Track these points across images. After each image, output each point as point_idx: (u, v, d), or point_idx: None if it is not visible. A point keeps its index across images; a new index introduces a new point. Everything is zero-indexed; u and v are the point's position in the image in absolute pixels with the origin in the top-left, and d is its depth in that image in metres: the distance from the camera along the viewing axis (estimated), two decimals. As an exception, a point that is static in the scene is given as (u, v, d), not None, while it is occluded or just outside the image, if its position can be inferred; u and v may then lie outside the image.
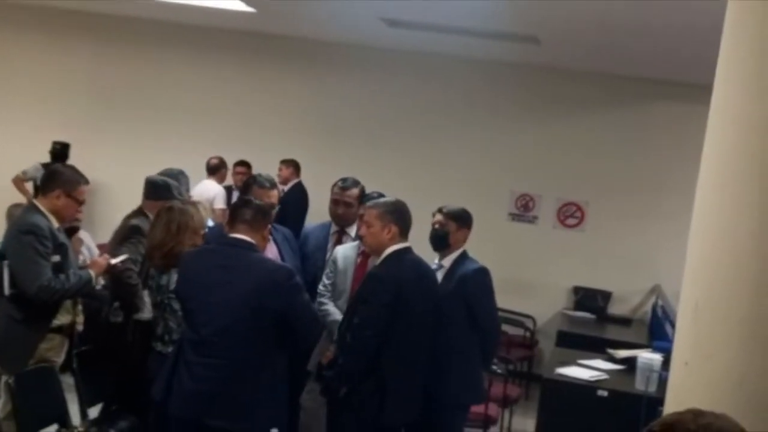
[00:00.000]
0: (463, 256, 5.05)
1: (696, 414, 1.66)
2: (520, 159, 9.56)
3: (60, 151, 9.41)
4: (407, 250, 4.50)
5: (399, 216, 4.49)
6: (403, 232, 4.50)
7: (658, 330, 7.77)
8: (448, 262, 5.03)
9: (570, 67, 9.12)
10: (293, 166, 9.55)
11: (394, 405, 4.34)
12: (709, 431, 1.63)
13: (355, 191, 5.39)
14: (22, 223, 4.62)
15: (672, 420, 1.68)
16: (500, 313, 8.44)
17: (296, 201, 9.10)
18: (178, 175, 6.01)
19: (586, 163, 9.41)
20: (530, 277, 9.38)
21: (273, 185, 5.18)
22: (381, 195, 5.11)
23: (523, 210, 9.65)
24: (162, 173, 5.93)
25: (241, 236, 4.09)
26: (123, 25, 10.12)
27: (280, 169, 9.44)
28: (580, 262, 9.38)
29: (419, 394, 4.51)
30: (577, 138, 9.43)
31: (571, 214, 9.54)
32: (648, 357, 5.49)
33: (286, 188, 9.21)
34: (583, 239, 9.44)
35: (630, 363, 5.80)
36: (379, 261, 4.50)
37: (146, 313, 4.82)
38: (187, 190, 6.24)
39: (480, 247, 5.24)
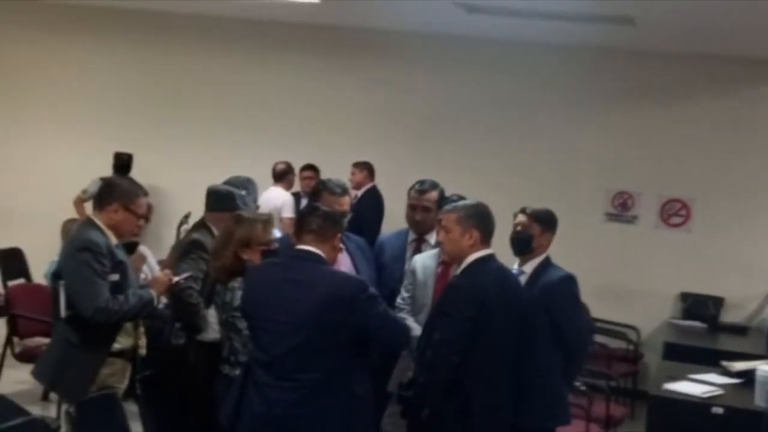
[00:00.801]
0: (547, 263, 4.94)
1: None
2: (616, 153, 9.41)
3: (125, 162, 9.58)
4: (491, 258, 4.43)
5: (481, 220, 4.43)
6: (486, 238, 4.43)
7: (777, 339, 7.58)
8: (529, 268, 4.93)
9: (669, 49, 8.94)
10: (366, 169, 9.55)
11: (480, 426, 4.28)
12: None
13: (433, 194, 5.35)
14: (78, 240, 4.66)
15: None
16: (599, 324, 8.39)
17: (371, 207, 9.10)
18: (246, 183, 6.03)
19: (691, 156, 9.21)
20: (631, 283, 9.22)
21: (344, 191, 5.17)
22: (461, 198, 5.04)
23: (621, 209, 9.49)
24: (228, 182, 5.96)
25: (308, 248, 4.09)
26: (181, 23, 10.28)
27: (352, 173, 9.46)
28: (687, 266, 9.18)
29: (507, 414, 4.44)
30: (679, 128, 9.24)
31: (675, 212, 9.35)
32: (767, 369, 5.36)
33: (359, 194, 9.22)
34: (690, 240, 9.24)
35: (748, 376, 5.67)
36: (459, 270, 4.45)
37: (211, 333, 4.86)
38: (255, 200, 6.25)
39: (574, 250, 5.16)
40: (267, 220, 4.73)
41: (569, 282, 4.87)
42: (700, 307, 8.99)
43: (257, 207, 6.04)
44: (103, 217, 4.73)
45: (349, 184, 9.06)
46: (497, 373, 4.37)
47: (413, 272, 5.03)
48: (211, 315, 4.97)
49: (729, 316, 9.01)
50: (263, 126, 10.14)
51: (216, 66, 10.33)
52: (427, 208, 5.31)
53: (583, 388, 5.99)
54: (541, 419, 4.72)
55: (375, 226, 8.49)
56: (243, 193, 5.70)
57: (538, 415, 4.66)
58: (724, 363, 6.10)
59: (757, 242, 8.98)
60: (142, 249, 6.42)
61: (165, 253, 8.31)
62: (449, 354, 4.23)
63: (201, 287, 5.09)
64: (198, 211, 5.79)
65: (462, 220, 4.41)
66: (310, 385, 3.92)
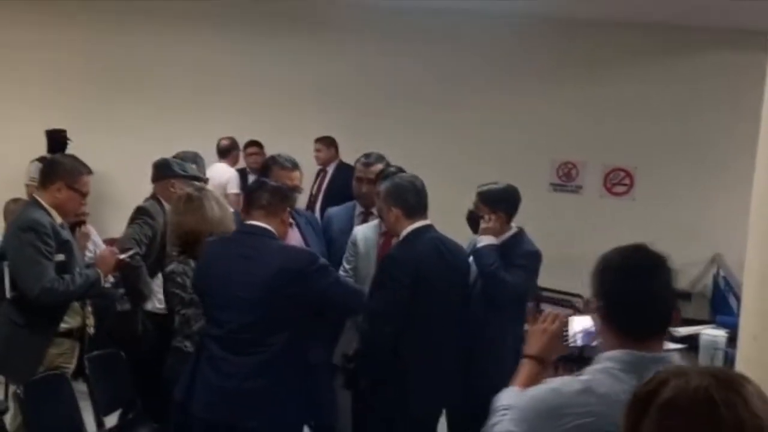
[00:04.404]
0: (516, 238, 4.97)
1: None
2: (560, 123, 9.48)
3: (60, 140, 9.39)
4: (428, 228, 4.55)
5: (398, 198, 4.53)
6: (410, 213, 4.52)
7: (721, 304, 7.72)
8: (498, 242, 4.94)
9: (609, 18, 9.01)
10: (333, 145, 9.35)
11: (419, 394, 4.38)
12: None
13: (379, 167, 5.38)
14: (22, 219, 4.64)
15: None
16: (546, 293, 8.47)
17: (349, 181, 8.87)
18: (194, 158, 6.09)
19: (633, 124, 9.31)
20: (577, 252, 9.23)
21: (295, 165, 5.19)
22: (400, 170, 5.12)
23: (566, 179, 9.59)
24: (176, 156, 6.00)
25: (258, 223, 4.12)
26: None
27: (318, 150, 9.28)
28: (630, 233, 9.08)
29: (448, 381, 4.53)
30: (621, 97, 9.34)
31: (618, 181, 9.47)
32: (711, 333, 5.48)
33: (329, 170, 9.20)
34: (634, 208, 9.37)
35: (692, 341, 5.77)
36: (398, 241, 4.55)
37: (157, 303, 4.87)
38: (204, 174, 6.28)
39: (520, 221, 5.21)
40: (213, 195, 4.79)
41: (529, 256, 4.92)
42: (644, 274, 9.13)
43: (206, 181, 6.06)
44: (47, 196, 4.71)
45: (313, 161, 9.06)
46: (437, 340, 4.47)
47: (354, 244, 5.07)
48: (157, 285, 4.98)
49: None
50: (206, 103, 10.01)
51: (156, 43, 10.18)
52: (372, 181, 5.33)
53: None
54: (488, 380, 4.78)
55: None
56: (193, 166, 5.76)
57: (487, 377, 4.73)
58: (669, 328, 6.22)
59: (700, 208, 9.13)
60: (87, 227, 6.39)
61: (111, 233, 8.24)
62: (383, 325, 4.32)
63: (145, 252, 5.12)
64: (137, 192, 5.82)
65: (384, 198, 4.57)
66: (266, 358, 3.96)
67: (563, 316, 2.81)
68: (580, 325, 2.82)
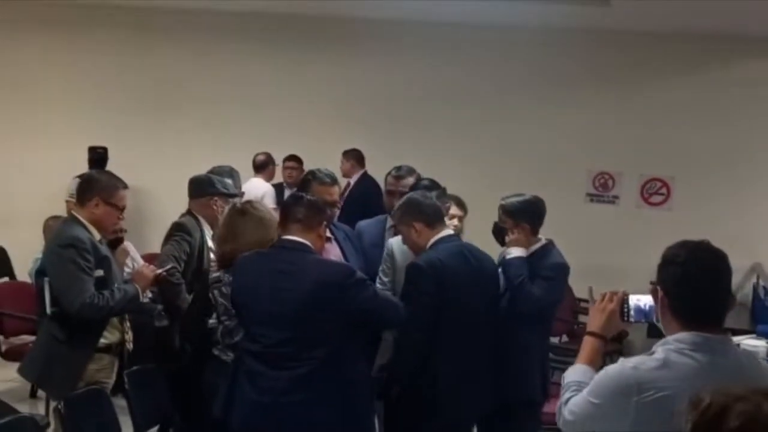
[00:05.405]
0: (545, 250, 4.88)
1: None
2: (596, 134, 9.42)
3: (101, 157, 9.50)
4: (450, 237, 4.57)
5: (418, 211, 4.56)
6: (432, 222, 4.54)
7: (761, 313, 7.63)
8: (527, 253, 4.91)
9: (645, 28, 8.94)
10: (354, 158, 9.40)
11: (449, 401, 4.35)
12: None
13: (410, 180, 5.38)
14: (61, 236, 4.66)
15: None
16: (582, 304, 8.40)
17: (367, 193, 8.82)
18: (229, 172, 6.08)
19: (670, 134, 9.23)
20: (613, 263, 9.23)
21: (334, 181, 5.17)
22: (433, 182, 5.11)
23: (602, 189, 9.52)
24: (211, 171, 5.99)
25: (295, 237, 4.09)
26: (160, 17, 10.19)
27: (341, 162, 9.33)
28: (668, 244, 9.13)
29: (478, 388, 4.50)
30: (658, 107, 9.26)
31: (655, 191, 9.38)
32: (751, 344, 5.44)
33: (351, 182, 9.21)
34: (671, 218, 9.26)
35: (732, 351, 5.70)
36: (424, 251, 4.56)
37: None
38: (240, 188, 6.29)
39: (556, 232, 5.16)
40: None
41: (556, 268, 4.84)
42: (683, 284, 9.02)
43: (242, 195, 6.06)
44: (84, 212, 4.73)
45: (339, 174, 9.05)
46: (466, 346, 4.44)
47: (391, 256, 5.03)
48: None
49: (712, 292, 9.03)
50: (243, 118, 10.09)
51: (193, 60, 10.26)
52: (404, 194, 5.30)
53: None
54: (522, 393, 4.75)
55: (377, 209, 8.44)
56: (228, 181, 5.75)
57: (518, 390, 4.69)
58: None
59: (738, 218, 9.00)
60: (126, 244, 6.42)
61: (150, 248, 8.30)
62: (413, 331, 4.30)
63: (183, 269, 5.12)
64: (177, 208, 5.82)
65: (402, 219, 4.59)
66: (303, 373, 3.92)
67: (621, 294, 3.11)
68: (636, 302, 3.12)
